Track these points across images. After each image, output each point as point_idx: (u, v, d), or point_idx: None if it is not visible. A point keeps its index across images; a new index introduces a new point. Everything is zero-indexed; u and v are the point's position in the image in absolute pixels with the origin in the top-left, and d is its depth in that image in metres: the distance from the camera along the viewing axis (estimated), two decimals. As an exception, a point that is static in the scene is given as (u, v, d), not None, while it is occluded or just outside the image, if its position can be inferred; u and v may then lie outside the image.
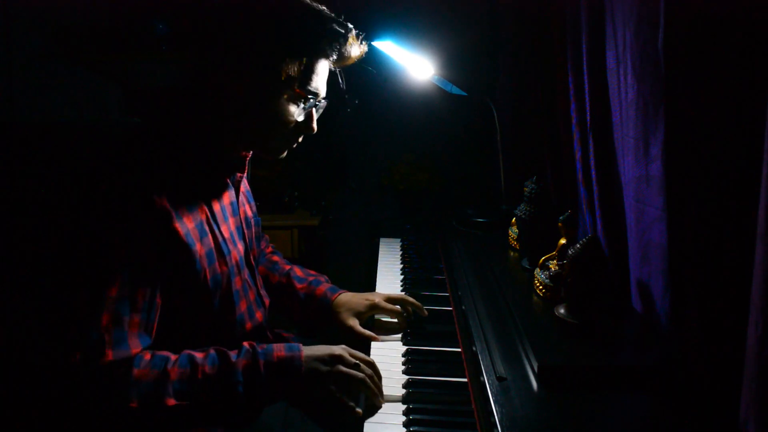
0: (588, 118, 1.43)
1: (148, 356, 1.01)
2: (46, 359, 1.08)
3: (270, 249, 1.55)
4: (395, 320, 1.40)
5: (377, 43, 1.95)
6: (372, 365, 1.13)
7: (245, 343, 1.08)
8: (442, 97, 2.17)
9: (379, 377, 1.12)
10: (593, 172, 1.43)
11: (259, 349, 1.07)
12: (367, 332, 1.34)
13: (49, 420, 1.12)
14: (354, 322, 1.35)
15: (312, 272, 1.49)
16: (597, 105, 1.40)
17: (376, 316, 1.43)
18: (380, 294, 1.43)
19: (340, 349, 1.11)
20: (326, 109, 1.21)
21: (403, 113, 2.51)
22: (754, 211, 0.78)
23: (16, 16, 2.53)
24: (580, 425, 0.96)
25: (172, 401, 0.98)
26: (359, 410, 1.06)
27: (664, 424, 0.96)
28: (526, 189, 1.58)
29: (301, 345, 1.10)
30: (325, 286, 1.44)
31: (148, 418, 0.99)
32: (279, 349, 1.08)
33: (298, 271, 1.48)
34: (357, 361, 1.10)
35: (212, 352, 1.05)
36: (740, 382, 0.83)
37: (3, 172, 1.34)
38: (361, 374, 1.08)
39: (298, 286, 1.43)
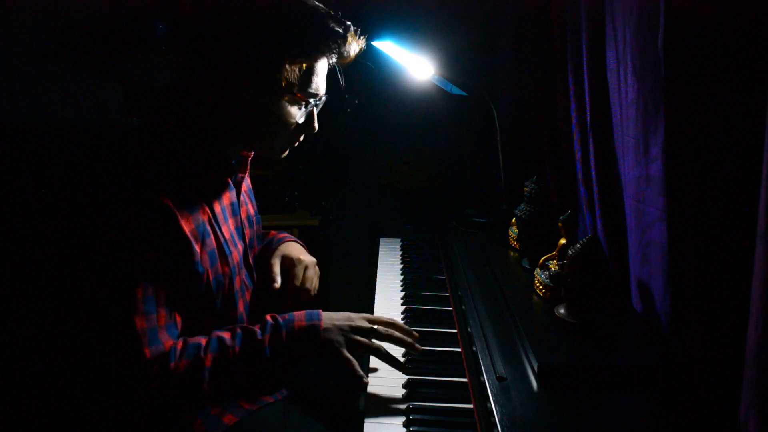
0: (588, 118, 1.43)
1: (180, 345, 1.05)
2: (83, 364, 1.10)
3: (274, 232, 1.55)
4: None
5: (377, 43, 1.95)
6: (391, 324, 1.19)
7: (268, 317, 1.13)
8: (442, 97, 2.17)
9: (405, 330, 1.19)
10: (593, 172, 1.43)
11: (280, 320, 1.12)
12: (273, 273, 1.28)
13: (91, 418, 1.14)
14: (273, 261, 1.30)
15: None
16: (597, 105, 1.40)
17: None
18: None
19: (358, 318, 1.17)
20: (326, 109, 1.20)
21: (403, 113, 2.51)
22: (754, 211, 0.78)
23: (16, 16, 2.53)
24: (580, 425, 0.96)
25: (207, 386, 1.04)
26: (366, 380, 1.12)
27: (664, 424, 0.96)
28: (526, 189, 1.58)
29: (321, 312, 1.15)
30: (284, 234, 1.42)
31: (189, 404, 1.05)
32: (300, 318, 1.13)
33: (284, 233, 1.45)
34: (372, 327, 1.16)
35: (239, 331, 1.10)
36: (740, 382, 0.83)
37: (1, 171, 1.34)
38: (376, 344, 1.15)
39: (270, 234, 1.42)
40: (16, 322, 1.27)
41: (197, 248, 1.07)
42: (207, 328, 1.13)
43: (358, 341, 1.14)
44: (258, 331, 1.10)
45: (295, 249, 1.36)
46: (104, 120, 2.59)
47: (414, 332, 1.20)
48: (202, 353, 1.05)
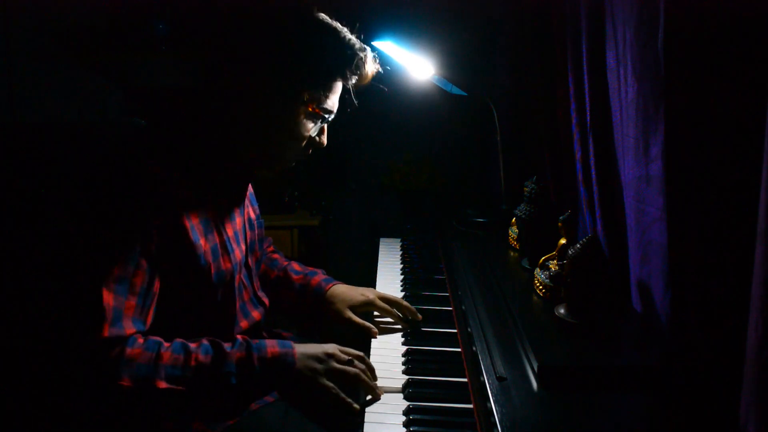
0: (588, 118, 1.43)
1: (141, 339, 1.02)
2: (46, 333, 1.10)
3: (271, 248, 1.57)
4: (392, 320, 1.40)
5: (377, 43, 1.95)
6: (363, 360, 1.15)
7: (239, 337, 1.10)
8: (442, 97, 2.17)
9: (372, 370, 1.14)
10: (593, 172, 1.43)
11: (252, 344, 1.08)
12: (365, 323, 1.35)
13: (47, 395, 1.13)
14: (350, 314, 1.37)
15: (309, 267, 1.51)
16: (597, 105, 1.40)
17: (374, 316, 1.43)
18: (375, 291, 1.44)
19: (332, 347, 1.13)
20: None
21: (403, 113, 2.50)
22: (754, 211, 0.78)
23: (16, 16, 2.53)
24: (580, 425, 0.96)
25: (163, 384, 0.99)
26: (356, 406, 1.07)
27: (664, 424, 0.96)
28: (526, 189, 1.58)
29: (293, 342, 1.12)
30: (320, 277, 1.46)
31: (141, 399, 0.99)
32: (272, 345, 1.09)
33: (295, 265, 1.50)
34: (349, 358, 1.12)
35: (205, 342, 1.06)
36: (740, 382, 0.83)
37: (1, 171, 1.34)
38: (354, 370, 1.10)
39: (294, 277, 1.45)
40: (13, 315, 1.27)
41: (202, 242, 1.08)
42: (206, 322, 1.14)
43: (336, 368, 1.09)
44: (226, 345, 1.06)
45: (347, 293, 1.40)
46: (104, 120, 2.59)
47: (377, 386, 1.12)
48: (162, 350, 1.01)
